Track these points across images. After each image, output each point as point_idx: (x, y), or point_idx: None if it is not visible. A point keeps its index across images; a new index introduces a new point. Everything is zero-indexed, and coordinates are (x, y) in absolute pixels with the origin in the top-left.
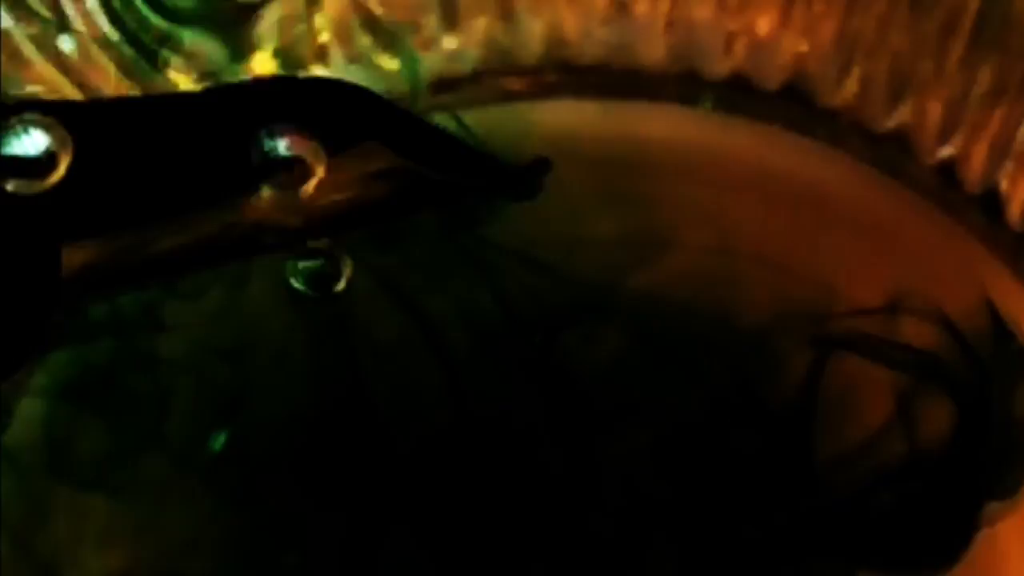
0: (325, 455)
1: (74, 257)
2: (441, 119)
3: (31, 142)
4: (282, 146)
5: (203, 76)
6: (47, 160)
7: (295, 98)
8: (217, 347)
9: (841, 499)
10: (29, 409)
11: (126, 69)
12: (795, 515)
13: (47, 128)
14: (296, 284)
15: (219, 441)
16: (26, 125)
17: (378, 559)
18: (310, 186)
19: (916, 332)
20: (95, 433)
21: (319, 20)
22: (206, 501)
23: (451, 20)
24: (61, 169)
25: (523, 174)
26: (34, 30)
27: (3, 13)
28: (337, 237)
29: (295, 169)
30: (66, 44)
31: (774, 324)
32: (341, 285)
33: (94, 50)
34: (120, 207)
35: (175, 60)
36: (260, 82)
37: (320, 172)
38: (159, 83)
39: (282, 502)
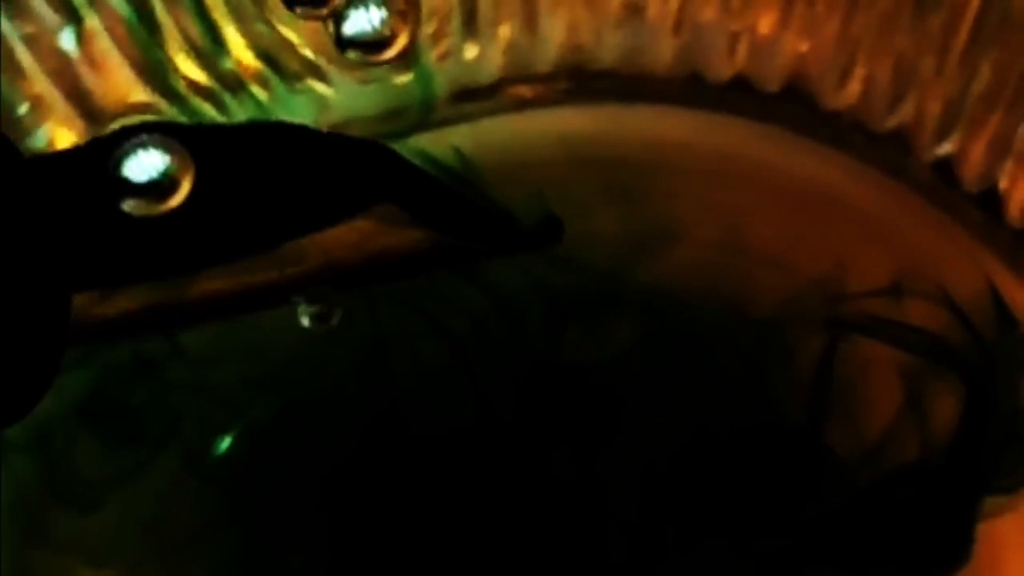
0: (333, 458)
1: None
2: (443, 153)
3: (150, 163)
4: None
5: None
6: (168, 183)
7: (314, 155)
8: (227, 362)
9: (855, 501)
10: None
11: (141, 67)
12: (809, 521)
13: (167, 149)
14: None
15: (224, 443)
16: (145, 145)
17: (385, 564)
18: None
19: (922, 318)
20: (96, 455)
21: None
22: (209, 504)
23: (473, 27)
24: (183, 192)
25: (535, 234)
26: (31, 29)
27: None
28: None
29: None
30: (67, 42)
31: (782, 313)
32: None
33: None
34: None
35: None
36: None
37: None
38: (173, 82)
39: (287, 505)
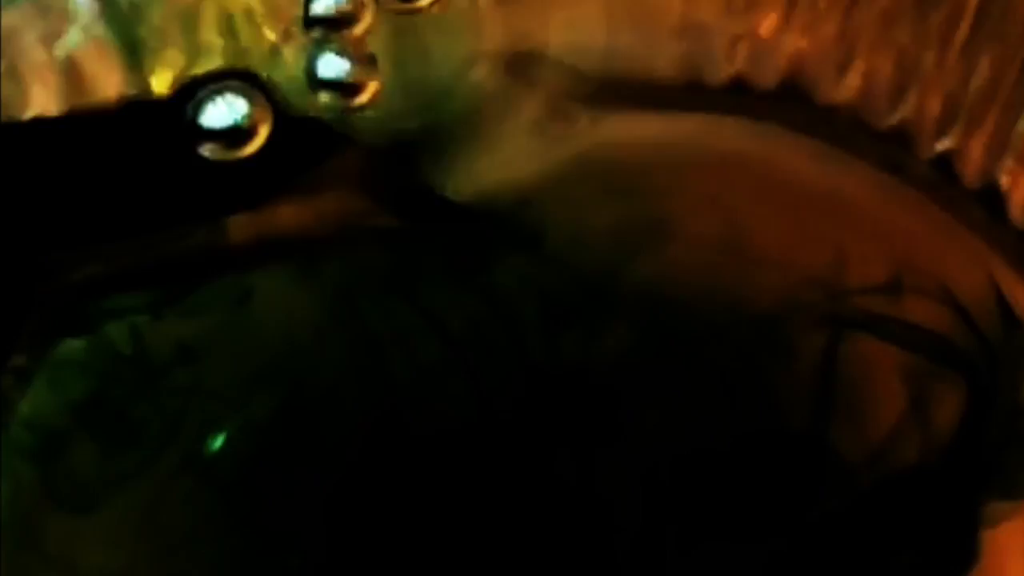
0: (332, 458)
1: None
2: None
3: (229, 109)
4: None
5: None
6: (247, 128)
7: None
8: (224, 360)
9: (859, 503)
10: (29, 418)
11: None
12: (813, 524)
13: (247, 95)
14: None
15: (217, 441)
16: (224, 91)
17: (385, 565)
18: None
19: (924, 316)
20: (94, 458)
21: None
22: (205, 503)
23: None
24: (260, 139)
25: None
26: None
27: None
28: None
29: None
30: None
31: (782, 310)
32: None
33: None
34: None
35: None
36: None
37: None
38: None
39: (285, 504)
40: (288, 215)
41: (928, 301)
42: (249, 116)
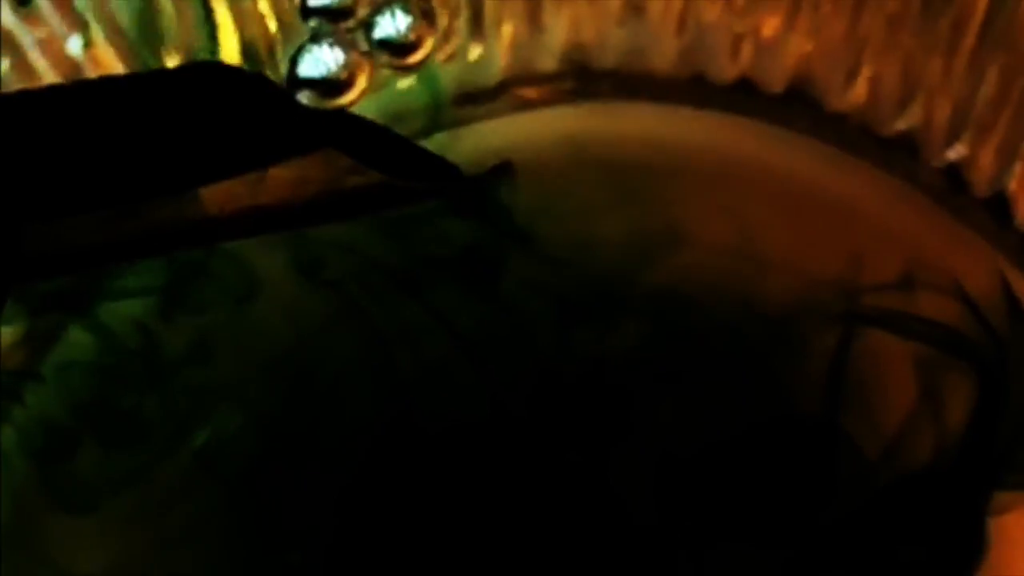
0: (336, 454)
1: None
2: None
3: (325, 60)
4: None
5: None
6: (343, 79)
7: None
8: (228, 357)
9: (874, 501)
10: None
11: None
12: (828, 524)
13: (343, 47)
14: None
15: (200, 437)
16: (321, 42)
17: (388, 561)
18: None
19: (935, 312)
20: (97, 458)
21: None
22: (207, 498)
23: (478, 27)
24: (358, 89)
25: (483, 180)
26: (42, 34)
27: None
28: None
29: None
30: (74, 46)
31: (795, 309)
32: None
33: (105, 52)
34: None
35: None
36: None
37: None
38: None
39: (287, 500)
40: (274, 175)
41: (938, 296)
42: (345, 67)
